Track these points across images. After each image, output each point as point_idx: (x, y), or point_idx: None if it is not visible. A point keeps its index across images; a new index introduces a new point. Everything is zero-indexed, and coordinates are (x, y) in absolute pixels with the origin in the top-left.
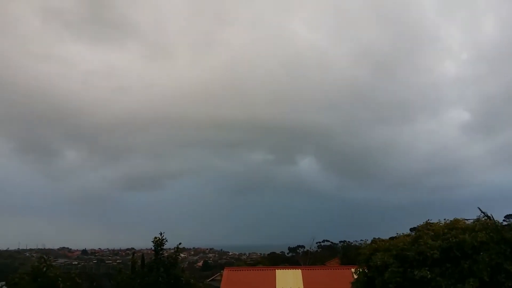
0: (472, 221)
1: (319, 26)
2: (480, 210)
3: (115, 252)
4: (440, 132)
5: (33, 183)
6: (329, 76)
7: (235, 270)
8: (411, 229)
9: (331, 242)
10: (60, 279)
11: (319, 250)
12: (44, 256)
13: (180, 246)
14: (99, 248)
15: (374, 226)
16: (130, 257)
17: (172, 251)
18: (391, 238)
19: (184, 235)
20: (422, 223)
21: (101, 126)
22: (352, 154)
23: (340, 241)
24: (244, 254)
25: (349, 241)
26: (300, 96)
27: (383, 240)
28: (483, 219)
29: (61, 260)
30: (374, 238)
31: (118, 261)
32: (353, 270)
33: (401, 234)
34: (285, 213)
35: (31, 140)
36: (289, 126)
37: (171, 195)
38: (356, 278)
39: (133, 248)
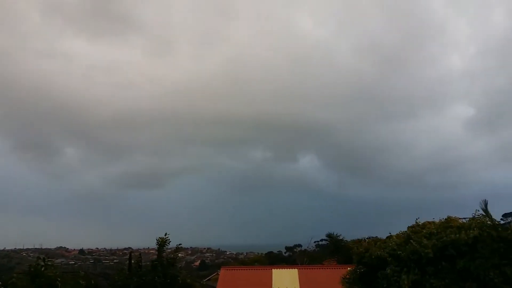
0: (467, 219)
1: (325, 20)
2: (484, 204)
3: (112, 252)
4: (444, 128)
5: (32, 182)
6: (334, 71)
7: (232, 269)
8: (408, 228)
9: (329, 241)
10: (59, 279)
11: (317, 249)
12: (42, 256)
13: (179, 246)
14: (97, 248)
15: (376, 225)
16: (127, 256)
17: (170, 250)
18: (388, 237)
19: (181, 234)
20: (414, 223)
21: (102, 123)
22: (354, 151)
23: (327, 236)
24: (242, 253)
25: (340, 237)
26: (304, 92)
27: (378, 239)
28: (479, 216)
29: (58, 260)
30: (370, 237)
31: (115, 260)
32: (349, 269)
33: (399, 232)
34: (284, 212)
35: (30, 138)
36: (292, 123)
37: (171, 194)
38: (349, 274)
39: (130, 248)
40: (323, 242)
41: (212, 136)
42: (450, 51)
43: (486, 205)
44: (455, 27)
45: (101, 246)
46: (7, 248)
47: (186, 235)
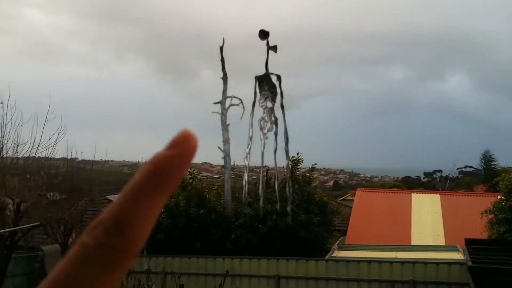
0: None
1: None
2: None
3: (251, 169)
4: None
5: (173, 103)
6: None
7: (369, 191)
8: None
9: (475, 168)
10: (206, 190)
11: (460, 176)
12: (190, 169)
13: (314, 165)
14: (237, 165)
15: None
16: (264, 174)
17: (304, 170)
18: None
19: (315, 155)
20: None
21: (236, 43)
22: None
23: (483, 166)
24: (376, 176)
25: (493, 163)
26: None
27: None
28: None
29: (204, 174)
30: None
31: (253, 177)
32: (499, 197)
33: None
34: (424, 136)
35: (170, 60)
36: (441, 36)
37: (305, 115)
38: (493, 205)
39: (266, 166)
40: (468, 169)
41: (350, 55)
42: None
43: None
44: None
45: (241, 163)
46: None
47: (320, 156)
